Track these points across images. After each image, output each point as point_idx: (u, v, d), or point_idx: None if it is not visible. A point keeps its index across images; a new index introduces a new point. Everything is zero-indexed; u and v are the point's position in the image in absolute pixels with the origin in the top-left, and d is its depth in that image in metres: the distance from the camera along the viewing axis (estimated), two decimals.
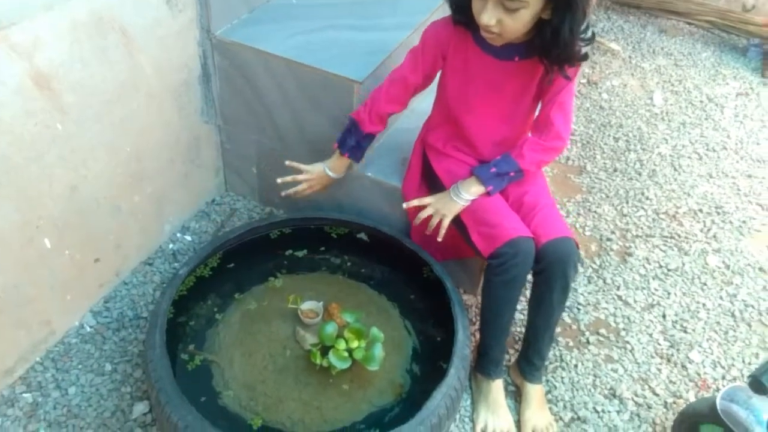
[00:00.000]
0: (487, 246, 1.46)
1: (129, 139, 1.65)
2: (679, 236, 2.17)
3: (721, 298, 1.97)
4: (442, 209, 1.52)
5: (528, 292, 1.58)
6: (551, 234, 1.45)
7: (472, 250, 1.54)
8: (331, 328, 1.49)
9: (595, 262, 2.05)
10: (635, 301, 1.93)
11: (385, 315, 1.63)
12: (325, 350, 1.46)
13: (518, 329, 1.78)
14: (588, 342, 1.79)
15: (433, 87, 1.64)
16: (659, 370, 1.74)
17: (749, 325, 1.89)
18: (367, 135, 1.63)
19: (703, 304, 1.94)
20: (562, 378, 1.69)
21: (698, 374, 1.74)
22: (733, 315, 1.91)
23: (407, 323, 1.62)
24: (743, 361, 1.78)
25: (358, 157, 1.68)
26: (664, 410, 1.64)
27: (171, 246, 1.93)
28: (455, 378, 1.38)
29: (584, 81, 2.96)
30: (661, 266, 2.05)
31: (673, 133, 2.67)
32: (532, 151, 1.49)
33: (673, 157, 2.53)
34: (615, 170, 2.44)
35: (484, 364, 1.57)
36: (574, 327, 1.83)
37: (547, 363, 1.71)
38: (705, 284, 2.00)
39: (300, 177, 1.72)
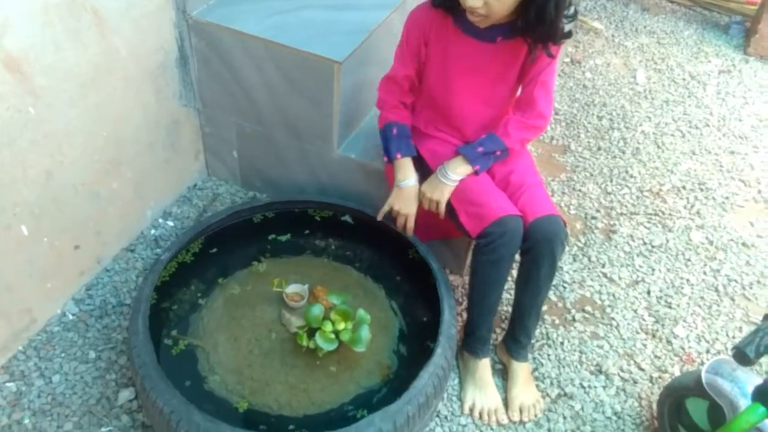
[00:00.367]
0: (475, 226, 1.45)
1: (106, 124, 1.61)
2: (662, 213, 2.18)
3: (704, 273, 1.98)
4: (433, 195, 1.51)
5: (515, 272, 1.57)
6: (538, 212, 1.45)
7: (457, 230, 1.54)
8: (317, 310, 1.48)
9: (580, 241, 2.05)
10: (620, 278, 1.94)
11: (371, 297, 1.62)
12: (311, 332, 1.45)
13: (505, 308, 1.78)
14: (574, 319, 1.80)
15: None
16: (644, 345, 1.75)
17: (732, 300, 1.91)
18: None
19: (687, 280, 1.95)
20: (549, 355, 1.70)
21: (683, 349, 1.76)
22: (716, 290, 1.93)
23: (393, 304, 1.61)
24: (727, 335, 1.80)
25: (413, 151, 1.60)
26: (650, 385, 1.66)
27: (153, 232, 1.90)
28: (442, 357, 1.37)
29: (567, 60, 2.95)
30: (645, 243, 2.07)
31: (656, 111, 2.68)
32: (517, 129, 1.49)
33: (657, 135, 2.54)
34: (599, 149, 2.44)
35: (471, 343, 1.57)
36: (560, 305, 1.84)
37: (533, 341, 1.71)
38: (689, 260, 2.02)
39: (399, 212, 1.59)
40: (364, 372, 1.45)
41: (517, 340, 1.58)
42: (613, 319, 1.81)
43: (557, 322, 1.79)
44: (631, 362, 1.71)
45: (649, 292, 1.90)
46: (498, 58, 1.45)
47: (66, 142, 1.51)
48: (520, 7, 1.30)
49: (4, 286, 1.47)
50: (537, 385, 1.61)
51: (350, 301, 1.55)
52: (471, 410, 1.54)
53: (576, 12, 1.36)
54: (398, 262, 1.69)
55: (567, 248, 2.01)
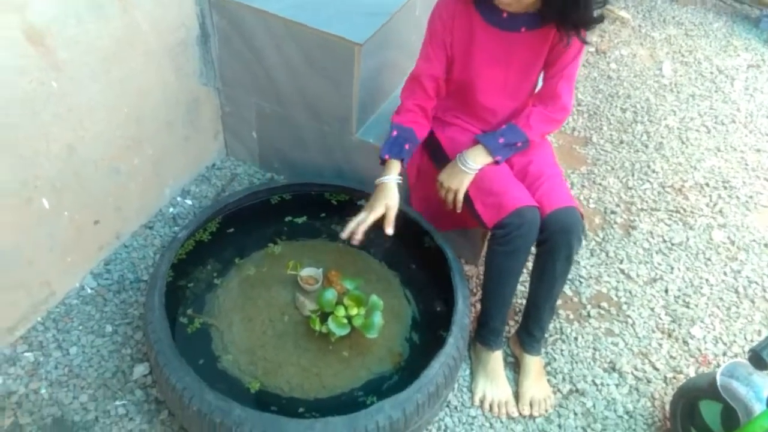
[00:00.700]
0: (492, 216, 1.44)
1: (127, 99, 1.61)
2: (684, 210, 2.14)
3: (725, 273, 1.95)
4: (452, 184, 1.50)
5: (531, 264, 1.56)
6: (555, 204, 1.43)
7: (474, 221, 1.53)
8: (330, 295, 1.48)
9: (598, 235, 2.03)
10: (638, 275, 1.91)
11: (385, 283, 1.62)
12: (324, 317, 1.45)
13: (519, 301, 1.77)
14: (589, 315, 1.78)
15: None
16: (660, 344, 1.73)
17: (752, 302, 1.88)
18: (418, 141, 1.54)
19: (707, 280, 1.92)
20: (562, 350, 1.69)
21: (699, 350, 1.73)
22: (736, 291, 1.90)
23: (407, 292, 1.61)
24: (745, 338, 1.77)
25: (404, 154, 1.54)
26: (664, 385, 1.64)
27: (171, 210, 1.91)
28: (454, 347, 1.37)
29: (592, 50, 2.89)
30: (665, 240, 2.03)
31: (681, 105, 2.62)
32: (539, 121, 1.49)
33: (681, 130, 2.49)
34: (621, 142, 2.40)
35: (484, 335, 1.57)
36: (576, 300, 1.82)
37: (547, 335, 1.70)
38: (709, 259, 1.99)
39: (370, 219, 1.47)
40: (376, 358, 1.46)
41: (530, 334, 1.57)
42: (629, 316, 1.79)
43: (572, 317, 1.78)
44: (646, 361, 1.69)
45: (667, 291, 1.88)
46: (521, 49, 1.43)
47: (88, 116, 1.51)
48: None
49: (24, 259, 1.49)
50: (549, 380, 1.61)
51: (364, 286, 1.55)
52: (481, 402, 1.54)
53: None
54: (414, 250, 1.68)
55: (585, 242, 1.99)
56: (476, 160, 1.48)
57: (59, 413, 1.43)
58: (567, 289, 1.85)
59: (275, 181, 2.02)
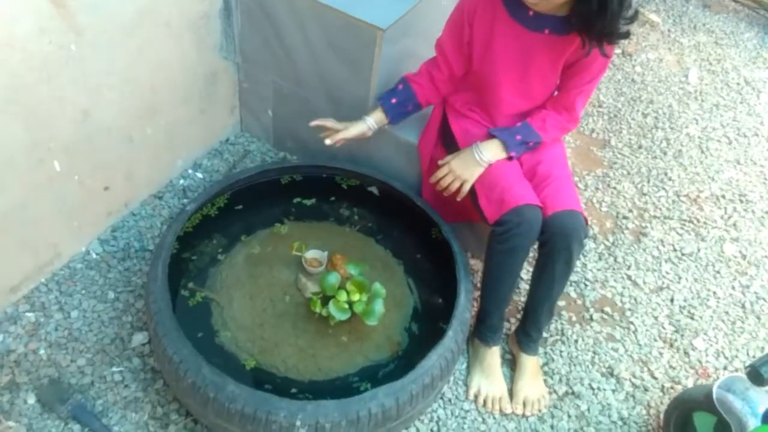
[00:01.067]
0: (494, 212, 1.43)
1: (145, 68, 1.61)
2: (698, 221, 2.11)
3: (733, 287, 1.93)
4: (463, 174, 1.49)
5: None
6: (559, 206, 1.41)
7: (478, 215, 1.51)
8: (333, 279, 1.47)
9: (608, 239, 2.01)
10: (644, 283, 1.89)
11: (389, 271, 1.62)
12: (325, 300, 1.45)
13: (521, 299, 1.75)
14: (591, 318, 1.77)
15: None
16: (660, 353, 1.72)
17: (758, 318, 1.85)
18: (419, 105, 1.61)
19: (714, 293, 1.90)
20: (561, 352, 1.68)
21: (700, 362, 1.72)
22: (743, 306, 1.88)
23: (410, 282, 1.60)
24: (747, 354, 1.75)
25: (398, 120, 1.65)
26: (661, 394, 1.63)
27: (182, 182, 1.91)
28: (453, 341, 1.37)
29: (618, 51, 2.84)
30: (675, 250, 2.01)
31: (704, 114, 2.57)
32: (554, 127, 1.51)
33: (702, 139, 2.45)
34: (640, 147, 2.37)
35: (482, 330, 1.56)
36: (579, 302, 1.81)
37: (546, 335, 1.69)
38: (718, 272, 1.96)
39: (348, 138, 1.62)
40: (374, 345, 1.46)
41: (527, 334, 1.56)
42: (631, 323, 1.78)
43: (574, 319, 1.76)
44: (645, 369, 1.68)
45: (672, 300, 1.86)
46: (542, 51, 1.41)
47: (105, 82, 1.51)
48: None
49: (32, 219, 1.50)
50: (545, 381, 1.60)
51: (367, 273, 1.54)
52: (476, 396, 1.54)
53: (636, 13, 1.30)
54: (420, 240, 1.68)
55: (593, 245, 1.97)
56: (491, 153, 1.48)
57: (56, 374, 1.45)
58: (571, 291, 1.83)
59: (287, 161, 2.02)
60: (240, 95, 2.02)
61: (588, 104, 2.49)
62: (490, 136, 1.51)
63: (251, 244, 1.61)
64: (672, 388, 1.64)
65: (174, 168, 1.90)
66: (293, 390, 1.34)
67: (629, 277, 1.90)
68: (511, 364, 1.62)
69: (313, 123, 1.64)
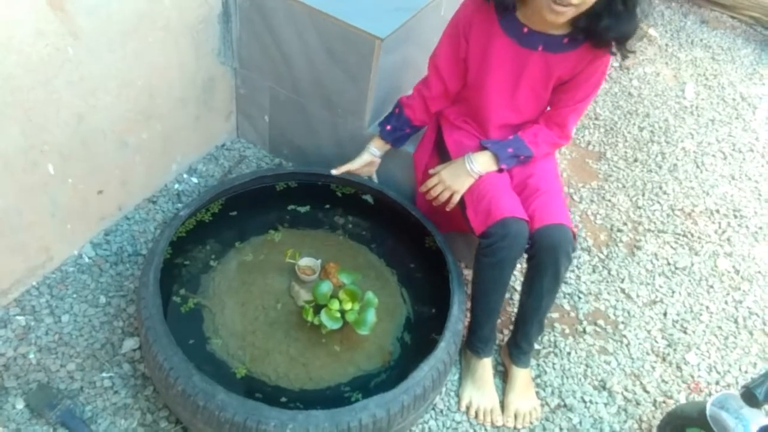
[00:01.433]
0: (480, 223, 1.44)
1: (142, 72, 1.60)
2: (692, 235, 2.12)
3: (726, 302, 1.93)
4: (453, 184, 1.50)
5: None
6: (547, 219, 1.42)
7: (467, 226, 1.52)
8: (326, 287, 1.47)
9: (602, 252, 2.01)
10: (638, 296, 1.89)
11: (382, 280, 1.61)
12: (317, 308, 1.44)
13: (514, 310, 1.75)
14: (584, 331, 1.77)
15: None
16: (653, 367, 1.72)
17: (751, 333, 1.86)
18: (416, 126, 1.64)
19: (707, 307, 1.90)
20: (554, 364, 1.67)
21: (692, 376, 1.72)
22: (736, 321, 1.88)
23: (404, 291, 1.60)
24: (740, 369, 1.75)
25: (400, 144, 1.69)
26: (653, 408, 1.63)
27: (176, 186, 1.90)
28: (445, 352, 1.36)
29: (615, 65, 2.86)
30: (669, 263, 2.01)
31: (700, 128, 2.59)
32: (545, 143, 1.52)
33: (697, 154, 2.46)
34: (635, 160, 2.37)
35: (473, 342, 1.56)
36: (573, 314, 1.81)
37: (539, 347, 1.69)
38: (712, 287, 1.96)
39: (354, 171, 1.71)
40: (365, 355, 1.45)
41: (518, 346, 1.56)
42: (624, 336, 1.78)
43: (567, 331, 1.76)
44: (637, 383, 1.68)
45: (665, 314, 1.86)
46: (535, 68, 1.43)
47: (101, 86, 1.51)
48: (587, 12, 1.26)
49: (25, 221, 1.49)
50: (537, 393, 1.59)
51: (360, 281, 1.54)
52: (467, 408, 1.53)
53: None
54: (414, 250, 1.68)
55: (587, 258, 1.97)
56: (482, 165, 1.48)
57: (45, 379, 1.43)
58: (565, 303, 1.83)
59: (282, 168, 2.01)
60: (237, 101, 2.02)
61: (584, 116, 2.50)
62: (482, 147, 1.51)
63: (245, 250, 1.61)
64: (664, 402, 1.64)
65: (169, 172, 1.90)
66: (284, 399, 1.33)
67: (623, 290, 1.90)
68: (504, 376, 1.61)
69: (334, 172, 1.70)
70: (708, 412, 1.33)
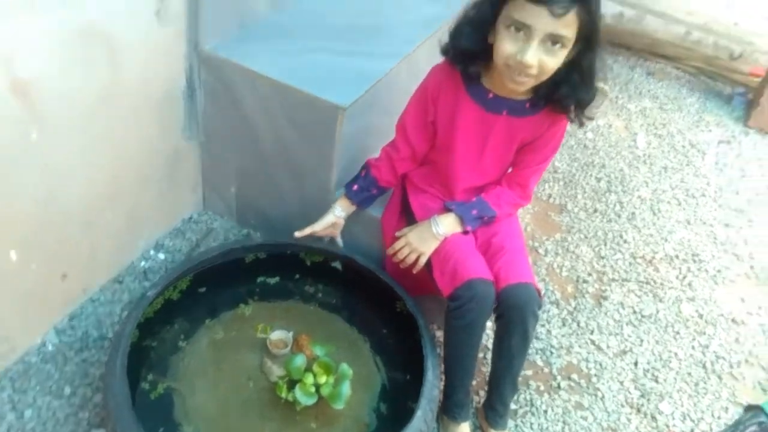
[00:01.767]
0: (447, 285, 1.46)
1: (107, 152, 1.60)
2: (654, 282, 2.18)
3: (693, 348, 1.97)
4: (420, 247, 1.52)
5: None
6: (512, 279, 1.44)
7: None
8: (299, 361, 1.46)
9: (570, 304, 2.04)
10: (608, 347, 1.92)
11: (355, 349, 1.61)
12: (291, 384, 1.42)
13: (488, 370, 1.75)
14: (559, 387, 1.78)
15: None
16: (629, 420, 1.73)
17: (720, 378, 1.89)
18: (382, 188, 1.67)
19: (675, 354, 1.94)
20: (532, 424, 1.67)
21: (667, 426, 1.73)
22: (704, 366, 1.92)
23: (377, 359, 1.60)
24: (712, 415, 1.78)
25: (366, 205, 1.70)
26: None
27: (143, 264, 1.88)
28: (422, 420, 1.35)
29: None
30: (635, 312, 2.06)
31: (654, 176, 2.70)
32: (507, 204, 1.57)
33: (653, 201, 2.55)
34: (595, 211, 2.45)
35: (449, 407, 1.55)
36: (546, 370, 1.82)
37: (515, 407, 1.69)
38: (678, 333, 2.01)
39: (318, 233, 1.70)
40: (342, 430, 1.43)
41: (494, 408, 1.56)
42: (598, 389, 1.79)
43: (542, 388, 1.77)
44: None
45: (636, 364, 1.89)
46: (499, 132, 1.48)
47: (65, 169, 1.50)
48: (547, 81, 1.32)
49: None
50: None
51: (334, 353, 1.53)
52: None
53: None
54: (385, 315, 1.68)
55: (557, 311, 2.00)
56: (448, 227, 1.51)
57: None
58: (538, 359, 1.84)
59: (250, 239, 2.01)
60: (203, 173, 2.02)
61: (545, 170, 2.58)
62: (447, 210, 1.55)
63: (215, 328, 1.59)
64: None
65: (135, 250, 1.88)
66: None
67: (593, 342, 1.93)
68: None
69: (297, 234, 1.68)
70: None
